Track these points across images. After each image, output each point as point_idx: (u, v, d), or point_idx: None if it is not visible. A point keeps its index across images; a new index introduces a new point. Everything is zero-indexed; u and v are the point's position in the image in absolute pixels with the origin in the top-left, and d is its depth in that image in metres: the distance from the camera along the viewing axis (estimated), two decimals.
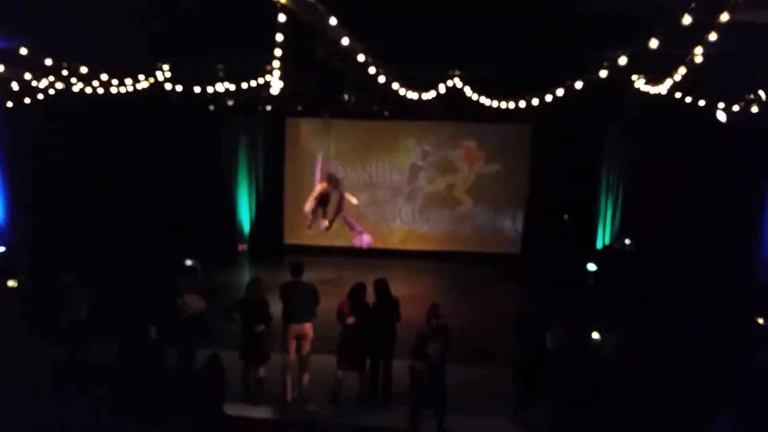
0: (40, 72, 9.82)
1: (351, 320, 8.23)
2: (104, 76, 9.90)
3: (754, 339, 9.63)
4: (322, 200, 12.76)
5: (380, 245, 16.24)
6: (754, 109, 10.41)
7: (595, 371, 7.66)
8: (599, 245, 15.31)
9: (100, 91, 10.52)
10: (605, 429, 7.43)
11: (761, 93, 10.23)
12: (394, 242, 16.56)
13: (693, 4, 6.21)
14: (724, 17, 6.23)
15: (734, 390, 7.13)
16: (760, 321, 10.29)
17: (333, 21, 6.82)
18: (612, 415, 7.38)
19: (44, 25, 8.29)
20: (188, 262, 9.43)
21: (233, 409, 7.54)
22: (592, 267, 13.90)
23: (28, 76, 9.93)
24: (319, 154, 13.02)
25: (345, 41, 7.30)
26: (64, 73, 9.78)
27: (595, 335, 8.18)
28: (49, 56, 9.04)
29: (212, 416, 6.91)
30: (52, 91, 10.72)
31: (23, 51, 8.59)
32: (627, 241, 14.29)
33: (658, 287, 11.07)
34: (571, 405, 7.62)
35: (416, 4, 7.58)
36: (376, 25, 7.79)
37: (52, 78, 10.13)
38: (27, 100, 11.48)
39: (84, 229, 12.94)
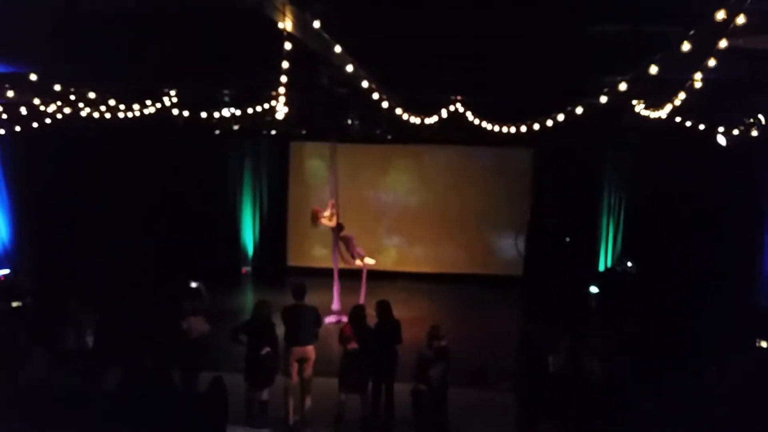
0: (49, 97, 9.97)
1: (353, 346, 8.27)
2: (112, 102, 10.04)
3: (756, 362, 9.62)
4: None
5: (382, 267, 16.31)
6: (754, 133, 10.51)
7: (598, 394, 7.65)
8: (601, 267, 15.35)
9: (108, 116, 10.65)
10: None
11: (760, 117, 10.34)
12: (397, 264, 16.60)
13: (692, 31, 6.31)
14: (723, 44, 6.32)
15: (735, 412, 7.14)
16: (764, 344, 10.29)
17: (338, 49, 6.95)
18: None
19: (53, 51, 8.42)
20: (193, 285, 9.50)
21: None
22: (594, 289, 13.93)
23: (36, 101, 10.07)
24: (331, 176, 13.09)
25: (349, 68, 7.42)
26: (72, 98, 9.92)
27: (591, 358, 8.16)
28: (57, 81, 9.18)
29: None
30: (60, 116, 10.86)
31: (32, 76, 8.72)
32: (629, 264, 14.34)
33: (659, 309, 11.09)
34: (573, 428, 7.61)
35: (418, 32, 7.71)
36: (379, 53, 7.91)
37: (60, 103, 10.27)
38: (35, 125, 11.62)
39: (89, 251, 13.02)
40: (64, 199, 13.64)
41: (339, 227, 12.81)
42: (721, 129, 10.84)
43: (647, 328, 10.43)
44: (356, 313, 8.50)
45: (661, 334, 10.02)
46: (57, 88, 9.24)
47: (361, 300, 12.10)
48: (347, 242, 12.88)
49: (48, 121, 11.31)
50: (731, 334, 9.92)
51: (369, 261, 13.09)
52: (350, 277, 13.27)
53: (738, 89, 9.05)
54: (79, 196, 13.77)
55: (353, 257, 12.97)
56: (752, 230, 12.91)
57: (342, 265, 13.18)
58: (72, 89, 9.67)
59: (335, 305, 12.75)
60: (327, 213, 12.69)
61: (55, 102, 10.25)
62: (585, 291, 13.91)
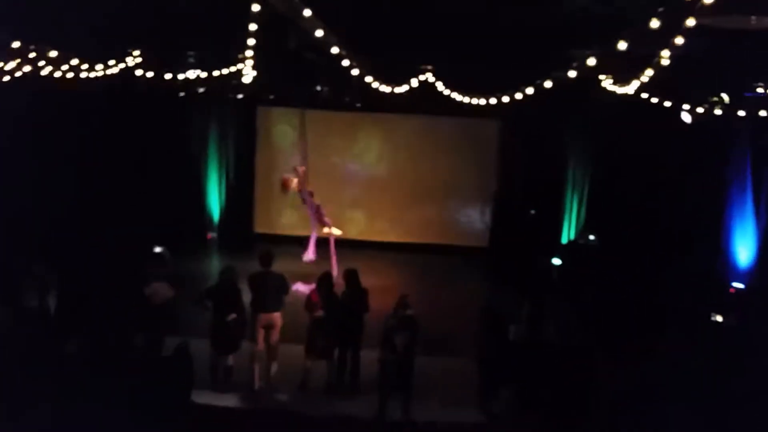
0: (8, 55, 9.64)
1: (319, 313, 8.31)
2: (74, 61, 9.75)
3: (712, 336, 9.93)
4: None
5: (349, 236, 16.33)
6: (718, 111, 10.72)
7: (556, 363, 7.83)
8: (564, 240, 15.59)
9: (70, 75, 10.35)
10: (565, 422, 7.62)
11: (724, 95, 10.55)
12: (364, 233, 16.59)
13: (661, 9, 6.36)
14: (691, 22, 6.40)
15: (691, 384, 7.38)
16: (719, 318, 10.61)
17: (307, 12, 6.84)
18: (572, 408, 7.57)
19: (13, 8, 8.13)
20: (157, 249, 9.39)
21: (201, 398, 7.57)
22: (556, 261, 14.16)
23: None
24: (301, 142, 12.98)
25: (319, 33, 7.32)
26: (32, 56, 9.61)
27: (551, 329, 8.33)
28: (16, 38, 8.88)
29: (180, 404, 6.94)
30: (18, 74, 10.51)
31: None
32: (591, 237, 14.58)
33: (620, 282, 11.33)
34: (532, 397, 7.79)
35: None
36: (350, 18, 7.83)
37: (18, 61, 9.94)
38: None
39: (51, 216, 12.74)
40: (25, 161, 13.26)
41: (309, 193, 12.74)
42: (686, 106, 11.01)
43: (607, 300, 10.66)
44: (324, 281, 8.54)
45: (621, 306, 10.25)
46: (16, 45, 8.94)
47: (334, 269, 12.13)
48: (316, 209, 12.83)
49: (6, 79, 10.94)
50: (690, 308, 10.21)
51: (336, 231, 13.05)
52: (318, 245, 13.23)
53: (703, 68, 9.19)
54: (39, 158, 13.40)
55: (322, 224, 12.95)
56: (714, 206, 13.20)
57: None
58: (32, 47, 9.36)
59: (310, 254, 12.62)
60: (296, 180, 12.61)
61: (14, 60, 9.91)
62: (548, 263, 14.13)
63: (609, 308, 10.13)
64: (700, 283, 11.33)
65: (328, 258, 12.80)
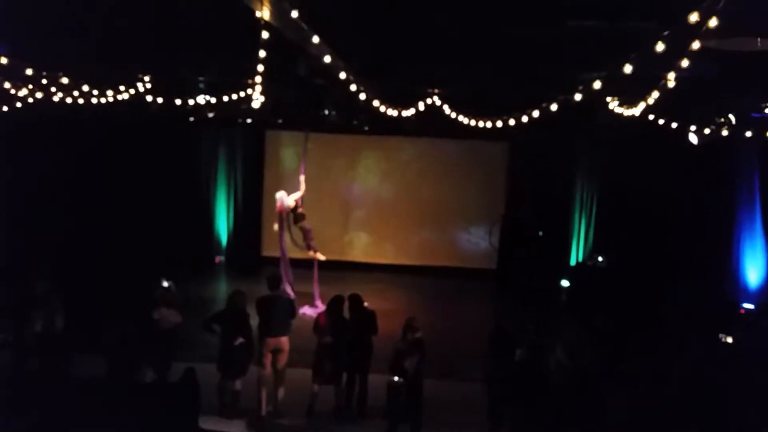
0: (20, 81, 9.78)
1: (327, 339, 8.29)
2: (85, 87, 9.87)
3: (721, 357, 9.84)
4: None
5: (357, 259, 16.36)
6: (724, 133, 10.71)
7: (561, 386, 7.76)
8: (573, 262, 15.55)
9: (80, 101, 10.48)
10: None
11: (731, 117, 10.54)
12: (372, 256, 16.62)
13: (666, 32, 6.40)
14: (696, 44, 6.42)
15: (701, 407, 7.31)
16: (729, 340, 10.52)
17: (315, 39, 6.90)
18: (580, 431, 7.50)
19: (25, 34, 8.25)
20: (165, 284, 9.37)
21: (208, 423, 7.53)
22: (565, 283, 14.11)
23: (6, 84, 9.87)
24: (302, 162, 13.11)
25: (327, 59, 7.38)
26: (44, 82, 9.74)
27: (560, 352, 8.25)
28: (29, 65, 9.00)
29: (187, 430, 6.91)
30: (31, 100, 10.65)
31: (2, 60, 8.54)
32: (599, 258, 14.55)
33: (629, 304, 11.27)
34: (539, 421, 7.71)
35: (397, 24, 7.71)
36: (357, 44, 7.89)
37: (31, 87, 10.08)
38: (5, 108, 11.38)
39: (60, 238, 12.82)
40: (33, 183, 13.39)
41: (301, 216, 12.79)
42: (693, 128, 11.02)
43: (616, 322, 10.59)
44: (334, 303, 8.52)
45: (629, 328, 10.18)
46: (28, 72, 9.06)
47: (316, 294, 12.29)
48: (305, 233, 12.86)
49: (18, 105, 11.08)
50: (699, 330, 10.13)
51: (320, 257, 13.06)
52: (323, 268, 13.21)
53: (709, 89, 9.20)
54: (48, 181, 13.53)
55: (308, 248, 12.95)
56: (722, 226, 13.16)
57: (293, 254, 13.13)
58: (43, 73, 9.49)
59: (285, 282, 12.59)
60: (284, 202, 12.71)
61: (26, 86, 10.05)
62: (556, 284, 14.09)
63: (618, 330, 10.05)
64: (709, 304, 11.25)
65: (334, 282, 12.78)
